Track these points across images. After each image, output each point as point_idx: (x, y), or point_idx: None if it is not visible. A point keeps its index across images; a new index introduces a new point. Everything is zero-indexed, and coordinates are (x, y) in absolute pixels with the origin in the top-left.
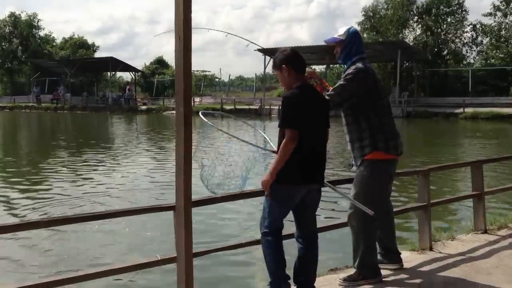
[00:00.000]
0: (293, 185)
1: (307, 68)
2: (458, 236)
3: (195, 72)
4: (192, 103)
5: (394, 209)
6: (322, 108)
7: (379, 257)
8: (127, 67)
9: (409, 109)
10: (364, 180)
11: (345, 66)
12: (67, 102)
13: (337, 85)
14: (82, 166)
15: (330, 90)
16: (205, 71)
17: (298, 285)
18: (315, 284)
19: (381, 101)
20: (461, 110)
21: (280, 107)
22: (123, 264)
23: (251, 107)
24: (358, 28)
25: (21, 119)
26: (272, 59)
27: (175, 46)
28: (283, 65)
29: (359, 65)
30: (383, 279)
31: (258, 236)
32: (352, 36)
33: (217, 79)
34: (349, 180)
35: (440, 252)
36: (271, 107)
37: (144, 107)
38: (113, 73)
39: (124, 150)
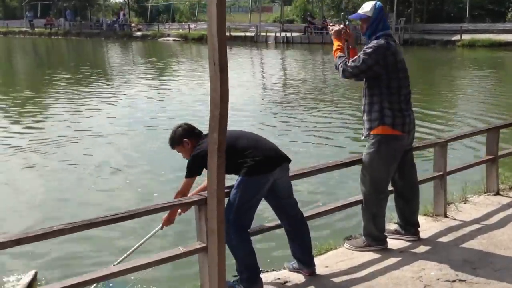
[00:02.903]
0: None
1: (347, 31)
2: (470, 199)
3: None
4: (188, 29)
5: None
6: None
7: (397, 227)
8: None
9: (406, 37)
10: (371, 156)
11: (368, 42)
12: (60, 27)
13: (356, 56)
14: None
15: (350, 61)
16: None
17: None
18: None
19: (398, 81)
20: (458, 37)
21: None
22: (146, 259)
23: (246, 34)
24: None
25: (16, 45)
26: (171, 137)
27: (210, 70)
28: (184, 139)
29: (381, 41)
30: (401, 251)
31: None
32: (378, 12)
33: None
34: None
35: (455, 219)
36: (268, 33)
37: (139, 33)
38: None
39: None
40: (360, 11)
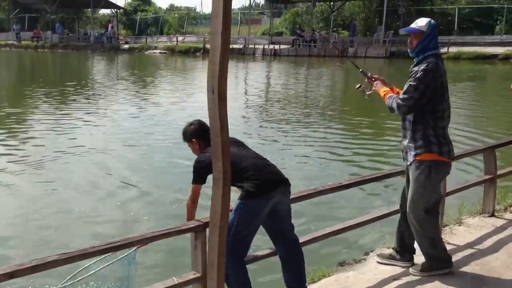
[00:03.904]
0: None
1: (376, 76)
2: (465, 221)
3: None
4: (175, 42)
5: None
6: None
7: (392, 252)
8: (108, 4)
9: (393, 49)
10: (422, 182)
11: (415, 59)
12: (48, 40)
13: (407, 87)
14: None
15: (401, 95)
16: (189, 8)
17: None
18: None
19: (443, 104)
20: (445, 49)
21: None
22: None
23: (234, 46)
24: None
25: (1, 58)
26: (183, 132)
27: (208, 98)
28: (193, 139)
29: (432, 61)
30: (395, 278)
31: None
32: (432, 29)
33: (199, 12)
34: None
35: (448, 243)
36: (256, 46)
37: (126, 46)
38: (94, 9)
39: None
40: (413, 25)
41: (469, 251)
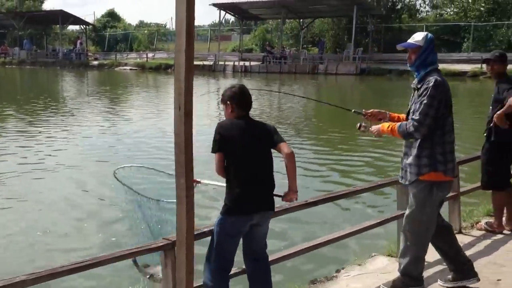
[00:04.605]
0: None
1: (369, 111)
2: None
3: (150, 24)
4: (146, 59)
5: (374, 220)
6: (259, 133)
7: (452, 274)
8: (77, 20)
9: (363, 66)
10: (422, 201)
11: (416, 74)
12: (15, 56)
13: (421, 106)
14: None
15: (416, 115)
16: (159, 24)
17: None
18: None
19: (449, 118)
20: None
21: None
22: None
23: (205, 63)
24: None
25: None
26: (222, 94)
27: (175, 114)
28: (228, 102)
29: (437, 77)
30: None
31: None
32: (429, 43)
33: (169, 28)
34: None
35: None
36: (226, 63)
37: (96, 62)
38: (63, 26)
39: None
40: (410, 40)
41: (439, 268)
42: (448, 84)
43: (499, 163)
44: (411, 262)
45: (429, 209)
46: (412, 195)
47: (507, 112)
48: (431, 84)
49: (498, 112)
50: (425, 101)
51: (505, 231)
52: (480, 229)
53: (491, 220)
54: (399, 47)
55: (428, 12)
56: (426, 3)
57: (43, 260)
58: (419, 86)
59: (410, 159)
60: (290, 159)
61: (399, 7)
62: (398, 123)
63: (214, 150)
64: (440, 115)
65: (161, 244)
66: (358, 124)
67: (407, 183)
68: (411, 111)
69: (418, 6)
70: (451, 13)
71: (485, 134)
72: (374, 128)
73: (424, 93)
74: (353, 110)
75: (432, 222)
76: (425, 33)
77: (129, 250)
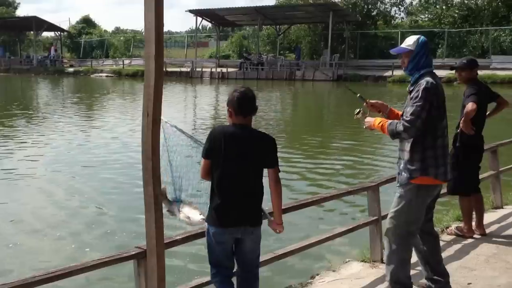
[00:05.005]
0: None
1: (373, 101)
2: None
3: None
4: (122, 65)
5: (346, 226)
6: (252, 146)
7: (426, 282)
8: (52, 27)
9: (339, 72)
10: (409, 201)
11: (411, 78)
12: None
13: (413, 108)
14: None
15: (406, 116)
16: (136, 30)
17: None
18: None
19: (442, 122)
20: (390, 73)
21: None
22: None
23: (182, 69)
24: None
25: None
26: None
27: (143, 121)
28: (227, 106)
29: (429, 79)
30: None
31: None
32: (421, 46)
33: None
34: None
35: None
36: (203, 69)
37: (71, 69)
38: (37, 32)
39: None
40: (403, 45)
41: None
42: (442, 87)
43: (465, 168)
44: (398, 266)
45: (414, 210)
46: (398, 196)
47: (467, 119)
48: (422, 87)
49: (463, 119)
50: (416, 103)
51: (475, 236)
52: (451, 234)
53: (461, 225)
54: (392, 52)
55: (403, 18)
56: (401, 9)
57: (15, 272)
58: (411, 89)
59: (402, 164)
60: (275, 189)
61: (374, 13)
62: (390, 121)
63: (202, 155)
64: (431, 118)
65: (134, 252)
66: (357, 110)
67: (397, 185)
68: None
69: (393, 13)
70: (426, 19)
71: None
72: (367, 120)
73: (416, 95)
74: (358, 95)
75: (417, 224)
76: (417, 36)
77: (101, 259)
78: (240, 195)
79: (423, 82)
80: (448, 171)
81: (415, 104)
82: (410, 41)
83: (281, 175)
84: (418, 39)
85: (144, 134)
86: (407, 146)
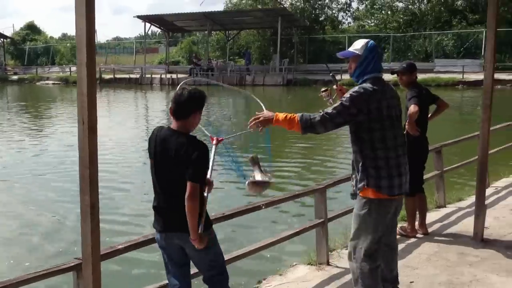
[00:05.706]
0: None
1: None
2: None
3: (74, 37)
4: (69, 72)
5: (294, 228)
6: (173, 152)
7: None
8: None
9: (289, 77)
10: (362, 218)
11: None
12: None
13: (336, 104)
14: None
15: (330, 108)
16: None
17: None
18: None
19: (383, 131)
20: (339, 77)
21: None
22: None
23: (131, 76)
24: None
25: None
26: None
27: (78, 129)
28: (193, 110)
29: (367, 85)
30: None
31: None
32: (370, 51)
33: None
34: None
35: (337, 267)
36: (153, 75)
37: (15, 77)
38: None
39: None
40: (350, 48)
41: None
42: (389, 93)
43: (410, 169)
44: None
45: (370, 230)
46: (354, 212)
47: (411, 121)
48: (355, 89)
49: (408, 122)
50: (343, 102)
51: (418, 235)
52: None
53: (405, 224)
54: (339, 55)
55: (350, 23)
56: (348, 15)
57: None
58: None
59: (352, 173)
60: (187, 203)
61: (322, 18)
62: (301, 114)
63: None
64: (357, 123)
65: (73, 264)
66: (325, 88)
67: (351, 198)
68: None
69: (340, 18)
70: (372, 24)
71: None
72: (264, 113)
73: (347, 95)
74: (331, 74)
75: (376, 245)
76: (366, 40)
77: (37, 272)
78: (160, 200)
79: (358, 87)
80: (396, 185)
81: (342, 102)
82: (358, 45)
83: (237, 179)
84: (367, 43)
85: (81, 142)
86: (352, 155)
